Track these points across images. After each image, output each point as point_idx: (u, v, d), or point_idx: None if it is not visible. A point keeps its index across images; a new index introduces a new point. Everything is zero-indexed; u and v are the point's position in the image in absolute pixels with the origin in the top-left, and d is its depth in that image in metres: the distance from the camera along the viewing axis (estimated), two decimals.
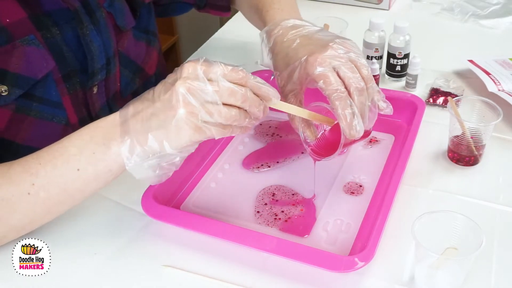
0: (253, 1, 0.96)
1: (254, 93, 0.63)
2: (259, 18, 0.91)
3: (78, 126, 0.87)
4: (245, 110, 0.62)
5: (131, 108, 0.63)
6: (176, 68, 0.63)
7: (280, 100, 0.66)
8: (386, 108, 0.73)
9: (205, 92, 0.59)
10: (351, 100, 0.68)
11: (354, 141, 0.72)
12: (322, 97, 0.71)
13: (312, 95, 0.76)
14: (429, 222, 0.63)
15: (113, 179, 0.66)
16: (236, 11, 1.27)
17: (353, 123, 0.67)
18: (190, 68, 0.60)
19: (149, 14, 0.99)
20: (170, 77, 0.62)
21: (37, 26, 0.76)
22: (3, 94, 0.74)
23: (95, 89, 0.87)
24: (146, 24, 0.99)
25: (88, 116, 0.89)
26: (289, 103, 0.73)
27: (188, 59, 1.15)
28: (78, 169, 0.64)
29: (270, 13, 0.87)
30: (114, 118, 0.64)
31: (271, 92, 0.64)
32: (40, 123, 0.80)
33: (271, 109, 0.66)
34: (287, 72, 0.75)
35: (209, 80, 0.60)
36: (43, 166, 0.65)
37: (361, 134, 0.69)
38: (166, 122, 0.60)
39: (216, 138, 0.62)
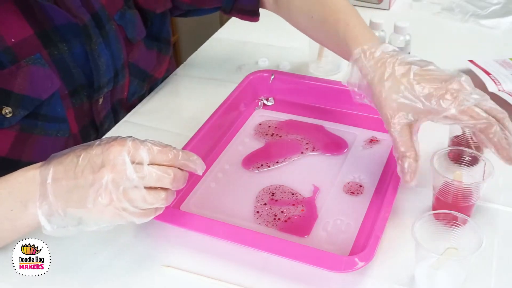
0: (316, 11, 0.85)
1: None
2: (335, 32, 0.80)
3: (79, 135, 0.86)
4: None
5: (52, 171, 0.60)
6: (102, 140, 0.61)
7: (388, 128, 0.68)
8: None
9: (130, 179, 0.58)
10: (501, 127, 0.67)
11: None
12: None
13: None
14: (429, 222, 0.63)
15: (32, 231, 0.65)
16: None
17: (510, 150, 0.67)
18: (116, 153, 0.58)
19: (162, 22, 0.97)
20: (96, 154, 0.59)
21: (44, 44, 0.75)
22: (7, 116, 0.73)
23: (100, 100, 0.87)
24: (158, 31, 0.96)
25: (90, 124, 0.88)
26: (394, 131, 0.69)
27: (188, 58, 1.15)
28: None
29: (357, 29, 0.78)
30: (34, 175, 0.61)
31: (198, 166, 0.64)
32: (44, 139, 0.79)
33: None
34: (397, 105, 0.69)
35: (136, 163, 0.58)
36: None
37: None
38: (87, 203, 0.59)
39: (137, 223, 0.61)
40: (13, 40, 0.72)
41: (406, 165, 0.68)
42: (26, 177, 0.62)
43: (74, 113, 0.83)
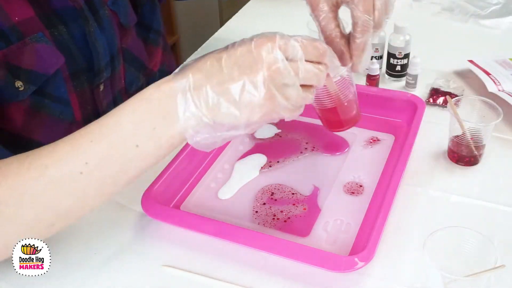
0: None
1: None
2: None
3: (83, 124, 0.87)
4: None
5: (192, 80, 0.57)
6: (243, 40, 0.58)
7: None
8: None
9: (285, 76, 0.55)
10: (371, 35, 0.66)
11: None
12: None
13: None
14: (441, 237, 0.63)
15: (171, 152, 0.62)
16: (236, 11, 1.27)
17: (363, 58, 0.66)
18: (269, 50, 0.55)
19: (153, 11, 0.99)
20: (242, 54, 0.56)
21: (45, 24, 0.78)
22: (20, 89, 0.75)
23: (101, 87, 0.88)
24: (149, 21, 0.99)
25: (93, 113, 0.89)
26: (323, 23, 0.67)
27: (188, 59, 1.15)
28: (137, 146, 0.59)
29: None
30: (170, 89, 0.58)
31: (340, 68, 0.63)
32: (50, 119, 0.82)
33: None
34: None
35: (289, 60, 0.56)
36: (96, 144, 0.59)
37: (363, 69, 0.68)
38: (240, 105, 0.56)
39: (286, 120, 0.58)
40: (17, 18, 0.74)
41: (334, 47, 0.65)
42: (162, 91, 0.58)
43: (77, 98, 0.84)
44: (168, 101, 0.58)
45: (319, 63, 0.58)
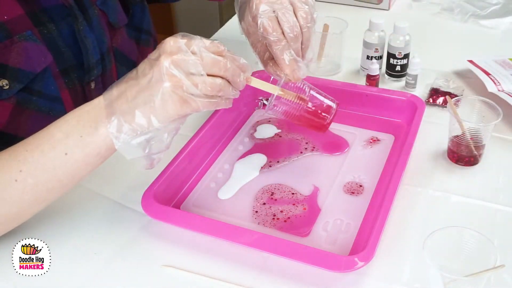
0: None
1: None
2: None
3: None
4: (228, 81, 0.63)
5: (115, 90, 0.64)
6: (157, 46, 0.63)
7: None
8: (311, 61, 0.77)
9: (189, 63, 0.60)
10: (289, 46, 0.71)
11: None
12: None
13: None
14: (441, 237, 0.62)
15: (102, 163, 0.66)
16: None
17: (294, 66, 0.71)
18: (171, 42, 0.61)
19: (143, 12, 1.00)
20: (153, 54, 0.63)
21: (34, 22, 0.78)
22: (4, 88, 0.76)
23: (92, 85, 0.88)
24: (139, 22, 0.99)
25: None
26: (257, 52, 0.77)
27: None
28: (66, 153, 0.64)
29: None
30: (99, 102, 0.64)
31: (246, 64, 0.66)
32: (39, 116, 0.82)
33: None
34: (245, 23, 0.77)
35: (191, 52, 0.61)
36: (30, 153, 0.65)
37: (304, 75, 0.73)
38: (152, 97, 0.61)
39: (202, 110, 0.62)
40: (5, 17, 0.74)
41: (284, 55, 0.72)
42: (92, 105, 0.65)
43: (70, 95, 0.85)
44: (96, 112, 0.64)
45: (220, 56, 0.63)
